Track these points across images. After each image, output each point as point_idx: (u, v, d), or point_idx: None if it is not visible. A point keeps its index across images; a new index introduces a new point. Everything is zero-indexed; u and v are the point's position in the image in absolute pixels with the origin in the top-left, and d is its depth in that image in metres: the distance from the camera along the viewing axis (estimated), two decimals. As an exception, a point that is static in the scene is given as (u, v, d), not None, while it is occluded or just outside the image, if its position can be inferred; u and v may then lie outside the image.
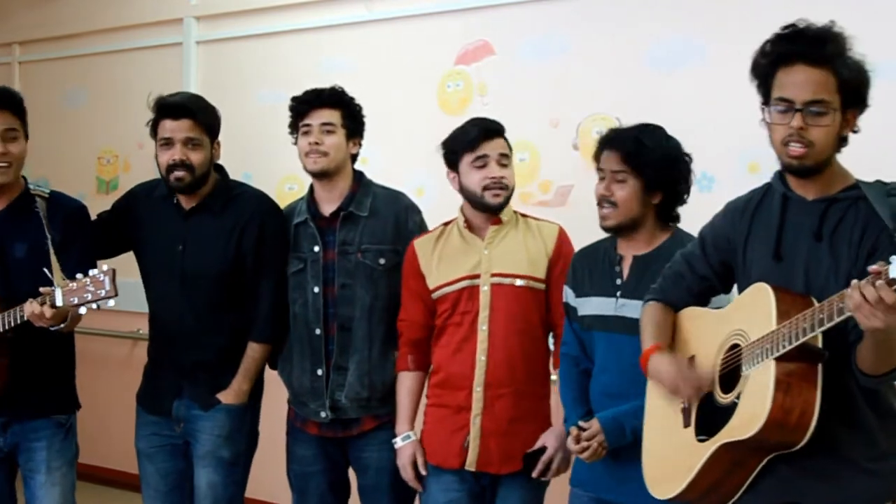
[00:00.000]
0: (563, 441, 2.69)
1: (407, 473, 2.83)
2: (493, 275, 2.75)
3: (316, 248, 2.97)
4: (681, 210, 2.62)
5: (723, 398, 2.07)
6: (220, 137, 3.09)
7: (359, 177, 3.05)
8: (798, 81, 1.97)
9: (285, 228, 3.07)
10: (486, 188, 2.75)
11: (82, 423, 3.08)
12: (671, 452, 2.21)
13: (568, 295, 2.68)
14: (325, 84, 3.06)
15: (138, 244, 3.11)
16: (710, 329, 2.19)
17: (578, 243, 2.78)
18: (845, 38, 1.99)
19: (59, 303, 2.59)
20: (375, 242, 2.95)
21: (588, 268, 2.64)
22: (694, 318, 2.29)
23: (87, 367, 3.12)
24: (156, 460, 3.09)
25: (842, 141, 2.03)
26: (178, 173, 2.93)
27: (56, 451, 2.90)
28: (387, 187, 3.08)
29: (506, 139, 2.81)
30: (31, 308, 2.64)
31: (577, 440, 2.51)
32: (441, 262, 2.82)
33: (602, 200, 2.53)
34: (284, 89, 4.41)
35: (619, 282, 2.55)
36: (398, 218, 2.99)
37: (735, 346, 2.08)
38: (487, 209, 2.78)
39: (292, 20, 4.48)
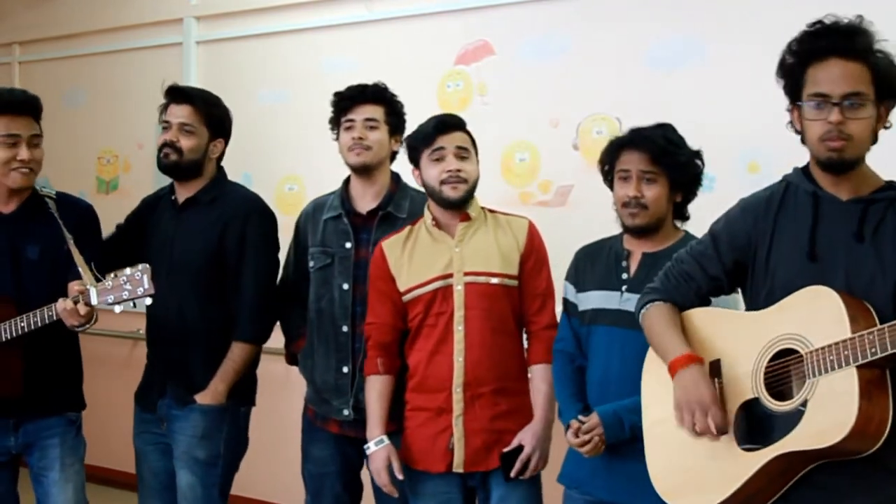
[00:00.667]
0: (540, 438, 2.68)
1: (382, 479, 2.75)
2: (467, 273, 2.73)
3: (348, 245, 2.96)
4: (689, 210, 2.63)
5: (778, 405, 1.98)
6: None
7: (396, 178, 3.05)
8: (833, 76, 1.94)
9: (273, 229, 3.08)
10: (443, 182, 2.73)
11: (83, 422, 3.08)
12: (697, 462, 2.10)
13: (568, 291, 2.68)
14: (325, 84, 3.07)
15: (141, 242, 3.14)
16: (742, 333, 2.09)
17: (578, 243, 2.77)
18: (874, 32, 1.98)
19: (93, 301, 2.61)
20: None
21: (590, 263, 2.63)
22: (712, 320, 2.19)
23: (87, 367, 3.12)
24: (148, 459, 3.10)
25: (875, 136, 2.01)
26: (165, 152, 3.00)
27: (69, 447, 2.93)
28: (422, 192, 3.04)
29: (467, 133, 2.79)
30: (63, 305, 2.65)
31: (577, 434, 2.50)
32: (411, 263, 2.78)
33: (631, 202, 2.49)
34: (284, 89, 4.46)
35: (625, 276, 2.55)
36: None
37: (788, 351, 1.99)
38: (447, 204, 2.74)
39: (292, 20, 4.48)
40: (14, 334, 2.75)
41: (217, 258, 2.99)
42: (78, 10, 5.16)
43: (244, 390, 3.09)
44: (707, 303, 2.27)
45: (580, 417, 2.52)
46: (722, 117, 3.33)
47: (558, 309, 2.81)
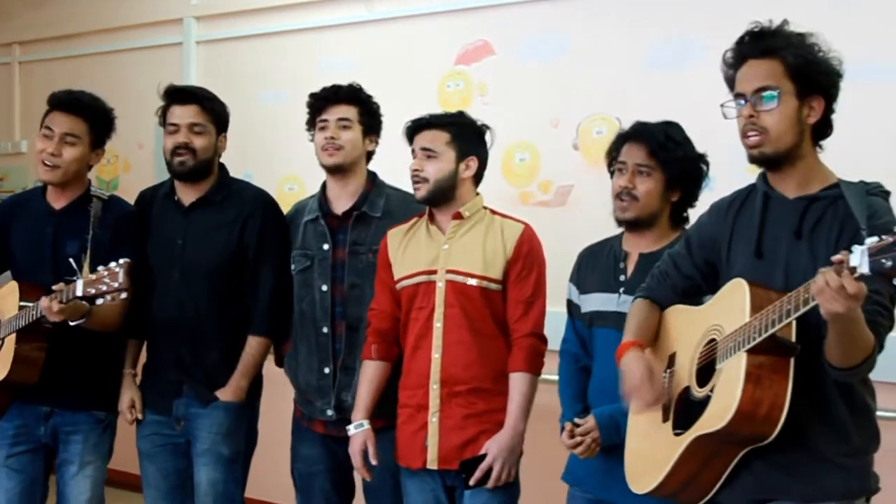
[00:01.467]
0: (506, 448, 2.65)
1: (356, 461, 2.78)
2: (449, 271, 2.73)
3: (325, 246, 2.97)
4: (692, 214, 2.62)
5: (698, 392, 2.10)
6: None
7: (372, 177, 3.05)
8: (747, 75, 2.07)
9: (286, 224, 3.09)
10: (412, 181, 2.79)
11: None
12: (651, 447, 2.23)
13: (571, 292, 2.69)
14: (325, 84, 3.07)
15: (146, 247, 3.13)
16: (689, 325, 2.21)
17: (578, 243, 2.77)
18: (792, 32, 2.08)
19: (79, 293, 2.63)
20: None
21: (592, 265, 2.64)
22: (676, 315, 2.31)
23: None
24: (157, 460, 3.09)
25: (818, 133, 2.09)
26: (181, 157, 2.99)
27: (91, 445, 2.98)
28: (399, 189, 3.07)
29: (442, 131, 2.77)
30: (43, 303, 2.71)
31: (571, 435, 2.51)
32: (406, 254, 2.81)
33: (622, 193, 2.51)
34: (284, 89, 4.46)
35: (622, 278, 2.55)
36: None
37: (712, 340, 2.10)
38: (418, 202, 2.80)
39: (292, 20, 4.48)
40: (20, 325, 2.82)
41: (237, 257, 3.01)
42: (78, 10, 5.17)
43: (257, 385, 3.11)
44: (691, 300, 2.33)
45: (576, 420, 2.52)
46: (722, 117, 3.32)
47: (557, 310, 2.81)
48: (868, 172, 3.13)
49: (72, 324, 2.74)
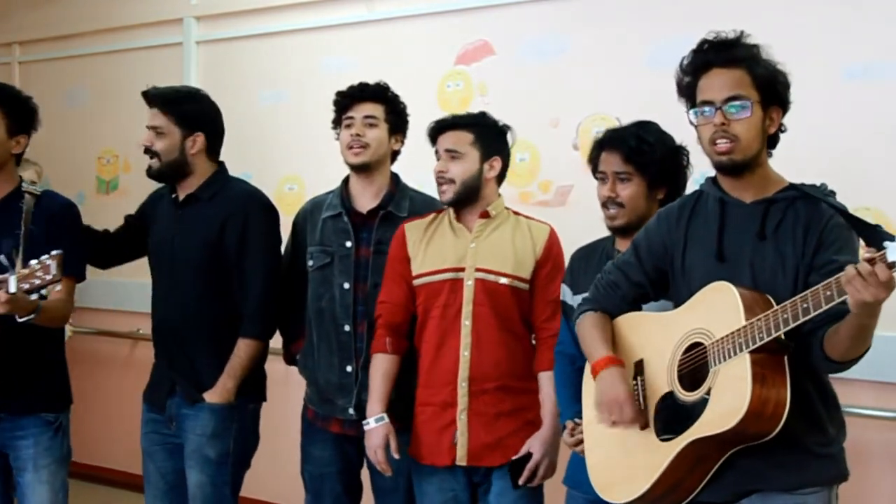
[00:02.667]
0: (549, 446, 2.69)
1: (378, 456, 2.77)
2: (478, 270, 2.74)
3: (348, 244, 2.96)
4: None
5: (688, 396, 2.09)
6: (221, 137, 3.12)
7: (396, 178, 3.05)
8: (715, 83, 2.11)
9: (275, 224, 3.08)
10: (437, 182, 2.80)
11: (83, 422, 3.08)
12: (626, 455, 2.22)
13: (565, 293, 2.69)
14: (325, 84, 3.08)
15: (148, 241, 3.16)
16: (659, 332, 2.21)
17: (578, 243, 2.77)
18: (754, 44, 2.15)
19: (12, 288, 2.55)
20: None
21: (585, 265, 2.65)
22: (637, 323, 2.30)
23: (87, 367, 3.12)
24: (156, 459, 3.10)
25: (771, 141, 2.15)
26: (150, 160, 3.03)
27: (43, 448, 2.88)
28: (421, 192, 3.08)
29: (465, 132, 2.79)
30: None
31: (573, 433, 2.51)
32: (428, 250, 2.81)
33: (607, 202, 2.53)
34: (285, 89, 4.46)
35: None
36: None
37: (696, 344, 2.10)
38: (443, 204, 2.82)
39: (292, 20, 4.48)
40: None
41: (217, 254, 2.99)
42: (78, 10, 5.16)
43: (253, 386, 3.08)
44: (637, 308, 2.35)
45: (576, 419, 2.53)
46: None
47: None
48: (868, 172, 3.14)
49: (20, 320, 2.63)
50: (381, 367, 2.84)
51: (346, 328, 2.94)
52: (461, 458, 2.73)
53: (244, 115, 4.34)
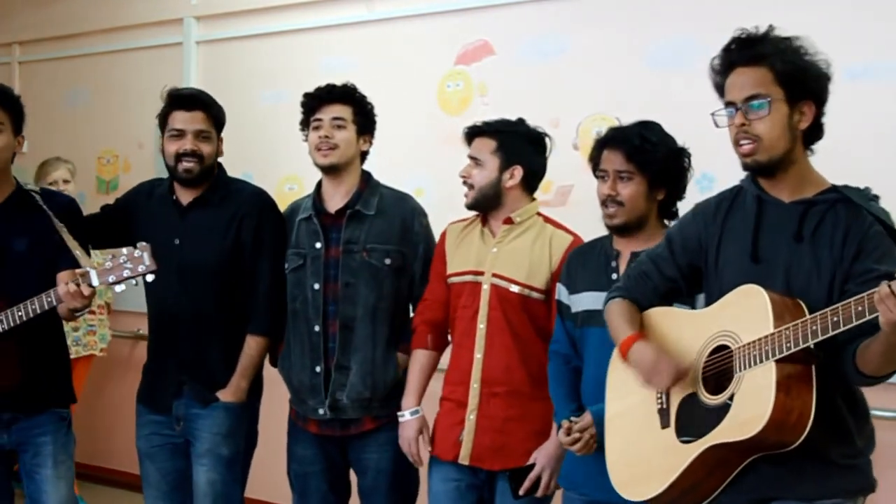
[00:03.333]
0: (554, 458, 2.68)
1: (412, 448, 2.84)
2: (494, 275, 2.76)
3: (318, 245, 2.97)
4: (680, 208, 2.62)
5: (711, 399, 2.06)
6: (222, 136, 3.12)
7: (366, 177, 3.05)
8: (736, 83, 2.07)
9: (283, 223, 3.09)
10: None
11: (83, 422, 3.08)
12: (646, 454, 2.19)
13: (561, 293, 2.68)
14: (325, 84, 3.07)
15: (136, 240, 3.12)
16: (687, 329, 2.17)
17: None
18: (781, 38, 2.08)
19: (94, 283, 2.61)
20: (381, 242, 2.95)
21: (582, 264, 2.64)
22: (666, 318, 2.27)
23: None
24: (157, 460, 3.09)
25: (808, 137, 2.08)
26: (188, 164, 2.98)
27: (61, 444, 2.92)
28: (393, 188, 3.08)
29: (490, 139, 2.80)
30: (65, 288, 2.62)
31: (569, 432, 2.51)
32: (458, 251, 2.86)
33: (607, 200, 2.53)
34: (285, 89, 4.46)
35: (615, 277, 2.55)
36: (405, 219, 3.00)
37: (722, 347, 2.07)
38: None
39: (292, 20, 4.48)
40: (13, 323, 2.72)
41: (233, 255, 3.00)
42: (78, 10, 5.17)
43: (256, 385, 3.11)
44: (667, 302, 2.32)
45: (572, 418, 2.53)
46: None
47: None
48: (867, 172, 3.14)
49: (77, 314, 2.73)
50: (420, 362, 2.90)
51: (317, 328, 2.95)
52: (463, 457, 2.75)
53: (244, 115, 4.34)
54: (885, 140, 3.11)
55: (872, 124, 3.12)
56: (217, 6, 4.72)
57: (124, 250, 2.63)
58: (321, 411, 2.95)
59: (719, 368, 2.06)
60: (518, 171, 2.79)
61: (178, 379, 3.03)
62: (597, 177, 2.59)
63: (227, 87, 4.48)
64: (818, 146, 2.13)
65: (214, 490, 3.00)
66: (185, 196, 3.06)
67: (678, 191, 2.58)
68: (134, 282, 2.64)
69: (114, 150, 5.03)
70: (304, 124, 3.04)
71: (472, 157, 2.81)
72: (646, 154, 2.49)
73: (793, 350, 1.88)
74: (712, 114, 2.13)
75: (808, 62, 2.06)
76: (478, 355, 2.75)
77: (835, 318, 1.82)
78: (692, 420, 2.09)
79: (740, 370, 1.99)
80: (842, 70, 3.14)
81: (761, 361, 1.93)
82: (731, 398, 2.00)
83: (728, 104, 2.08)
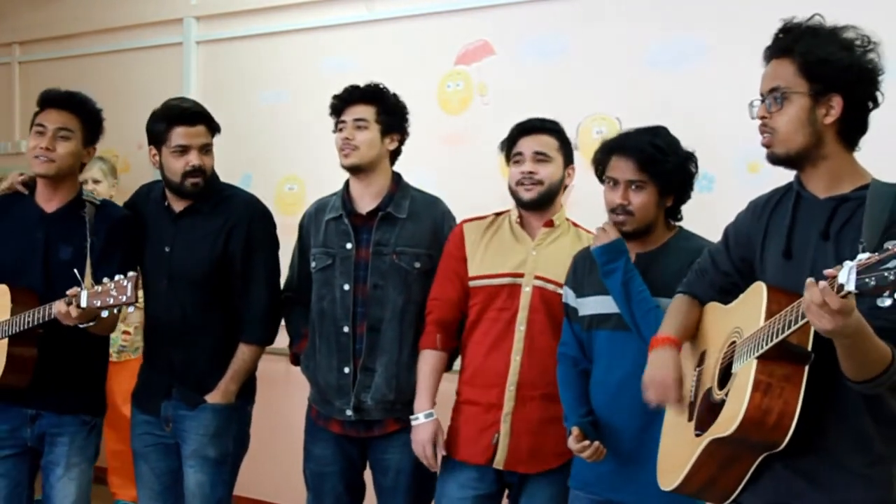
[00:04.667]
0: None
1: (427, 451, 2.81)
2: (537, 277, 2.75)
3: (348, 245, 2.96)
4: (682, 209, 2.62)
5: (717, 394, 2.08)
6: (221, 138, 3.12)
7: (397, 178, 3.05)
8: (765, 75, 2.05)
9: (275, 230, 3.11)
10: (518, 182, 2.79)
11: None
12: (676, 445, 2.22)
13: (568, 296, 2.68)
14: (325, 84, 3.08)
15: (140, 246, 3.13)
16: (718, 324, 2.19)
17: (578, 243, 2.78)
18: (809, 28, 2.01)
19: (83, 304, 2.65)
20: (412, 245, 2.94)
21: (588, 267, 2.63)
22: (710, 313, 2.28)
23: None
24: (149, 460, 3.11)
25: (846, 132, 2.00)
26: (195, 179, 3.00)
27: (77, 447, 2.96)
28: (423, 192, 3.08)
29: (552, 137, 2.82)
30: (58, 307, 2.71)
31: (578, 440, 2.51)
32: (487, 252, 2.82)
33: (617, 209, 2.51)
34: (284, 89, 4.46)
35: None
36: (436, 223, 2.99)
37: (733, 342, 2.08)
38: (521, 204, 2.80)
39: (292, 20, 4.48)
40: (20, 328, 2.81)
41: (223, 263, 3.01)
42: (78, 10, 5.17)
43: (249, 389, 3.12)
44: (726, 295, 2.26)
45: (581, 426, 2.53)
46: (722, 117, 3.33)
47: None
48: (867, 171, 3.13)
49: (81, 326, 2.75)
50: (430, 363, 2.87)
51: (346, 329, 2.95)
52: (499, 462, 2.73)
53: (244, 115, 4.34)
54: (884, 140, 3.10)
55: (871, 124, 3.11)
56: (217, 6, 4.72)
57: (118, 276, 2.64)
58: (348, 412, 2.94)
59: (727, 364, 2.08)
60: (573, 172, 2.85)
61: (168, 382, 3.04)
62: (603, 182, 2.57)
63: (227, 87, 4.49)
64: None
65: (203, 492, 3.01)
66: (177, 204, 3.06)
67: (684, 196, 2.58)
68: (116, 310, 2.67)
69: (114, 150, 5.02)
70: (335, 126, 3.04)
71: (539, 153, 2.78)
72: (657, 164, 2.48)
73: (766, 347, 1.87)
74: (750, 104, 2.08)
75: (837, 54, 1.96)
76: (516, 357, 2.73)
77: (790, 317, 1.80)
78: (704, 414, 2.10)
79: (736, 366, 2.01)
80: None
81: (748, 358, 1.94)
82: (727, 394, 2.02)
83: (760, 97, 2.05)
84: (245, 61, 4.61)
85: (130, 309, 2.68)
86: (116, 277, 2.64)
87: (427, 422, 2.82)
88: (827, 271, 1.67)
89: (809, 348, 1.87)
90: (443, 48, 4.02)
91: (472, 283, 2.82)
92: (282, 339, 3.21)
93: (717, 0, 3.42)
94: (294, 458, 3.17)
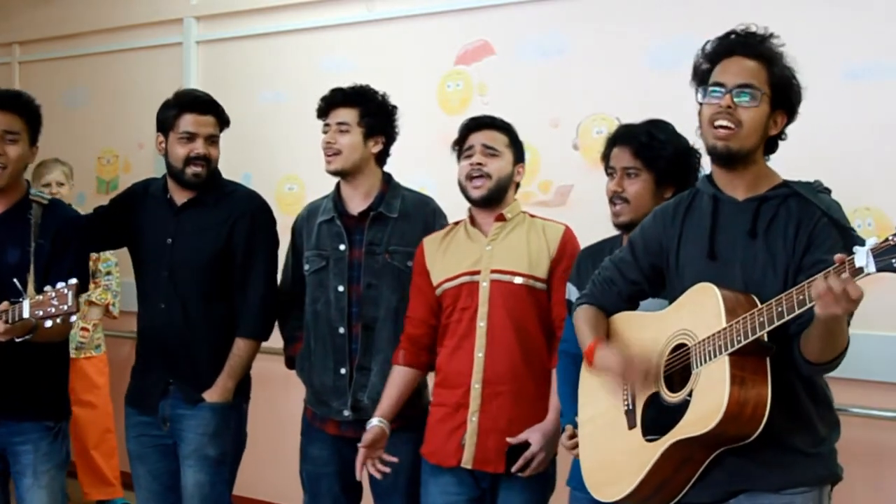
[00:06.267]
0: (549, 439, 2.67)
1: (360, 454, 2.76)
2: (493, 271, 2.75)
3: (342, 247, 2.96)
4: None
5: (671, 397, 2.10)
6: (221, 138, 3.12)
7: (387, 178, 3.05)
8: (733, 69, 2.09)
9: (275, 226, 3.11)
10: (468, 176, 2.78)
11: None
12: (615, 455, 2.22)
13: (571, 292, 2.67)
14: (325, 84, 3.07)
15: (132, 239, 3.14)
16: (649, 332, 2.20)
17: (579, 243, 2.78)
18: (780, 47, 2.13)
19: (25, 314, 2.53)
20: (404, 244, 2.95)
21: (592, 265, 2.63)
22: (630, 322, 2.30)
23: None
24: (147, 461, 3.10)
25: (769, 145, 2.13)
26: (197, 168, 2.99)
27: (43, 454, 2.86)
28: (414, 191, 3.09)
29: (501, 133, 2.80)
30: None
31: (571, 437, 2.51)
32: (444, 258, 2.82)
33: (614, 197, 2.53)
34: (285, 89, 4.46)
35: None
36: (427, 222, 2.99)
37: (681, 345, 2.10)
38: (471, 201, 2.80)
39: (292, 20, 4.48)
40: None
41: (224, 256, 3.01)
42: (78, 10, 5.17)
43: (244, 387, 3.11)
44: (634, 305, 2.35)
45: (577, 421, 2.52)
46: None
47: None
48: (867, 172, 3.14)
49: (18, 340, 2.61)
50: (392, 378, 2.86)
51: (341, 330, 2.95)
52: (467, 461, 2.72)
53: (244, 115, 4.32)
54: (884, 140, 3.11)
55: (871, 124, 3.11)
56: (217, 6, 4.72)
57: (59, 285, 2.52)
58: (345, 412, 2.94)
59: (679, 366, 2.10)
60: (522, 170, 2.85)
61: (165, 379, 3.03)
62: (607, 174, 2.59)
63: (227, 87, 4.48)
64: (816, 145, 2.14)
65: (202, 492, 3.00)
66: (179, 196, 3.06)
67: (685, 188, 2.57)
68: (59, 320, 2.51)
69: (114, 150, 5.03)
70: (322, 129, 3.03)
71: (487, 147, 2.77)
72: (653, 151, 2.49)
73: (743, 343, 1.92)
74: (696, 88, 2.14)
75: (795, 78, 2.12)
76: (479, 354, 2.72)
77: (779, 309, 1.87)
78: (656, 419, 2.12)
79: (697, 367, 2.03)
80: (841, 70, 3.16)
81: (715, 356, 1.98)
82: (690, 394, 2.04)
83: (716, 84, 2.08)
84: (245, 61, 4.61)
85: (73, 318, 2.52)
86: (58, 285, 2.51)
87: (372, 426, 2.78)
88: (836, 257, 1.75)
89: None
90: (443, 48, 4.02)
91: (437, 292, 2.82)
92: (279, 339, 3.21)
93: (718, 0, 3.42)
94: (294, 457, 3.16)
